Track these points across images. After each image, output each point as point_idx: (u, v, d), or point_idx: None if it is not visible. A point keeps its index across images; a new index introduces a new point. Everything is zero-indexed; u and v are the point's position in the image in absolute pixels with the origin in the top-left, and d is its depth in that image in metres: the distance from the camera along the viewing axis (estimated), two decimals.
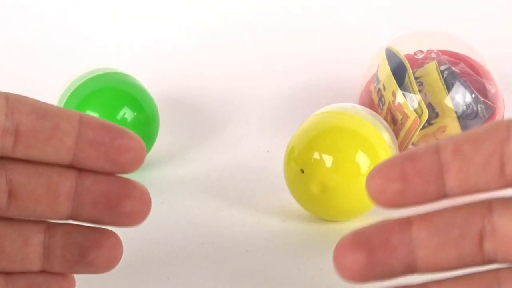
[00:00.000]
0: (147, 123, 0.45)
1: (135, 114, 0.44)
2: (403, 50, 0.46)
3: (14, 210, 0.23)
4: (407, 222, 0.21)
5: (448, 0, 0.63)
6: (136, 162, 0.23)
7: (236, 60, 0.61)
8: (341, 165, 0.36)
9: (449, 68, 0.45)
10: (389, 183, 0.21)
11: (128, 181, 0.23)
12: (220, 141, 0.51)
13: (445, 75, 0.45)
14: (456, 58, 0.46)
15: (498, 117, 0.44)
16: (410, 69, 0.44)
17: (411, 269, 0.21)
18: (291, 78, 0.59)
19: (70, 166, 0.23)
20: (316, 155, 0.36)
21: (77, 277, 0.31)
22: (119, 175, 0.23)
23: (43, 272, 0.25)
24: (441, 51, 0.47)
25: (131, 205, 0.23)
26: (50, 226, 0.24)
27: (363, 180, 0.37)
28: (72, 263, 0.24)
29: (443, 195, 0.21)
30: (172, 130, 0.52)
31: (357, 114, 0.38)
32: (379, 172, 0.21)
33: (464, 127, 0.42)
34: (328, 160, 0.36)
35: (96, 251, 0.24)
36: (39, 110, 0.22)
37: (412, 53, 0.47)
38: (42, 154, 0.22)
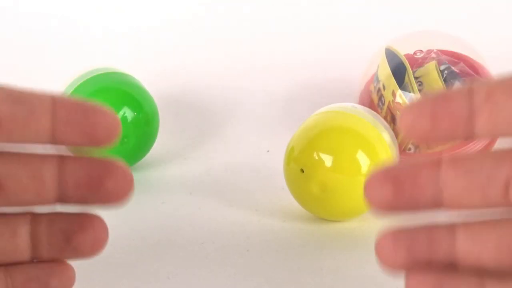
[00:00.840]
0: (147, 123, 0.45)
1: (135, 114, 0.44)
2: (403, 50, 0.46)
3: (4, 201, 0.23)
4: (436, 162, 0.22)
5: (448, 0, 0.63)
6: (112, 136, 0.23)
7: (236, 60, 0.61)
8: (341, 165, 0.36)
9: (449, 68, 0.45)
10: (419, 121, 0.21)
11: (109, 161, 0.24)
12: (220, 141, 0.51)
13: (445, 75, 0.45)
14: (456, 58, 0.46)
15: None
16: (410, 69, 0.44)
17: (437, 205, 0.22)
18: (291, 78, 0.59)
19: (50, 152, 0.23)
20: (316, 155, 0.36)
21: (77, 277, 0.31)
22: (101, 157, 0.24)
23: (40, 264, 0.25)
24: (441, 51, 0.47)
25: (114, 184, 0.23)
26: (35, 216, 0.25)
27: (363, 180, 0.37)
28: (58, 249, 0.24)
29: (471, 136, 0.21)
30: (172, 130, 0.52)
31: (357, 114, 0.38)
32: (411, 109, 0.22)
33: None
34: (328, 160, 0.36)
35: (81, 235, 0.24)
36: (13, 95, 0.22)
37: (412, 53, 0.47)
38: (22, 138, 0.23)
